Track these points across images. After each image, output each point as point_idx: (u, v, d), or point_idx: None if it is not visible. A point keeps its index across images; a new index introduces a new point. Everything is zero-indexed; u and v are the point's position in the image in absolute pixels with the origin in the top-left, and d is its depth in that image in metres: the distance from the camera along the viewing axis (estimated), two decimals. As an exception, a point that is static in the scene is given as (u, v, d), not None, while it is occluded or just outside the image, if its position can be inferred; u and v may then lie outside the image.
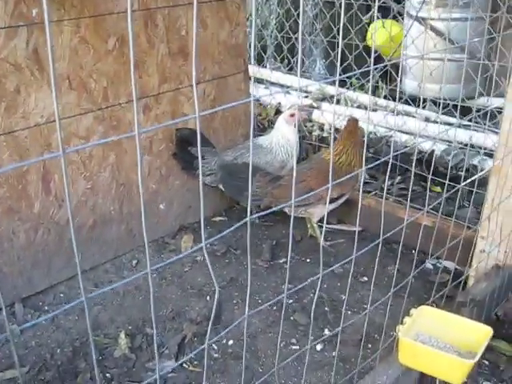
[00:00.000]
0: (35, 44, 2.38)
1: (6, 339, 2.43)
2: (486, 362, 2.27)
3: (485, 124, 3.62)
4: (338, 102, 4.54)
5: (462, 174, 2.28)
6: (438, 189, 3.38)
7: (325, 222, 1.86)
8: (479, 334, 1.88)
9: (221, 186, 3.15)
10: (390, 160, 1.68)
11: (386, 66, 3.89)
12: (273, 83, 5.00)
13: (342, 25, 1.21)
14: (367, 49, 4.55)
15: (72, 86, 2.54)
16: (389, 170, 1.73)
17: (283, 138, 3.18)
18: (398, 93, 3.63)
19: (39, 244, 2.65)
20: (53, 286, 2.76)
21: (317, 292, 1.55)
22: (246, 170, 2.99)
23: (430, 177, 2.71)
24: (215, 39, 3.07)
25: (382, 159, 1.65)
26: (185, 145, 3.07)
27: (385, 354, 1.99)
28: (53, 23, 2.40)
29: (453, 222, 2.30)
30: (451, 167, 3.37)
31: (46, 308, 2.64)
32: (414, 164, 2.21)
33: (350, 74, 1.41)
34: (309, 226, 3.12)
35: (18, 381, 2.22)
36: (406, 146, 3.69)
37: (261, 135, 4.11)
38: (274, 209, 1.56)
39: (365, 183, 3.05)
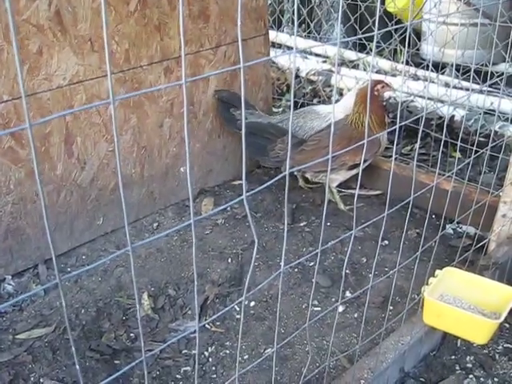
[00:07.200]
0: (57, 5, 2.37)
1: (32, 299, 2.47)
2: (507, 325, 2.27)
3: (506, 90, 3.59)
4: (357, 66, 4.51)
5: (484, 139, 2.27)
6: (459, 154, 3.36)
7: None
8: (504, 295, 1.89)
9: None
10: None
11: (405, 30, 3.85)
12: (290, 48, 4.95)
13: None
14: (387, 14, 4.50)
15: (94, 48, 2.53)
16: (401, 134, 1.72)
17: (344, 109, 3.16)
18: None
19: (61, 206, 2.67)
20: (75, 248, 2.79)
21: (348, 253, 1.56)
22: (271, 129, 3.00)
23: (450, 142, 2.69)
24: (236, 1, 3.05)
25: (397, 124, 1.63)
26: (226, 106, 3.11)
27: (407, 316, 2.01)
28: (75, -16, 2.40)
29: (478, 188, 2.29)
30: (472, 133, 3.35)
31: (69, 270, 2.66)
32: (433, 129, 2.22)
33: (369, 34, 1.39)
34: (328, 191, 3.12)
35: (45, 339, 2.26)
36: (426, 112, 3.66)
37: (280, 99, 4.10)
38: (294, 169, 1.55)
39: (385, 148, 3.04)
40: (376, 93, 2.91)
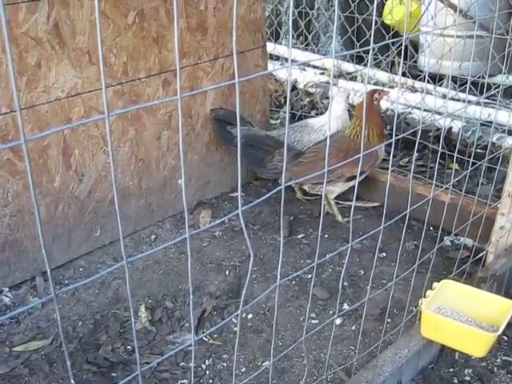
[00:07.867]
0: (56, 18, 2.38)
1: (29, 312, 2.46)
2: (505, 338, 2.27)
3: (504, 101, 3.60)
4: (355, 78, 4.52)
5: (481, 151, 2.27)
6: (456, 166, 3.36)
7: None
8: (501, 307, 1.89)
9: None
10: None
11: (403, 42, 3.87)
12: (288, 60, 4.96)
13: None
14: (384, 26, 4.52)
15: (92, 61, 2.54)
16: (398, 146, 1.72)
17: (338, 119, 3.18)
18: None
19: (59, 218, 2.67)
20: (72, 260, 2.79)
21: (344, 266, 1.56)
22: (268, 141, 3.00)
23: (448, 153, 2.69)
24: (233, 14, 3.06)
25: (396, 136, 1.64)
26: (222, 124, 3.10)
27: (405, 328, 2.01)
28: (74, -3, 2.41)
29: (475, 200, 2.28)
30: (470, 144, 3.35)
31: (67, 282, 2.66)
32: (431, 141, 2.22)
33: (366, 48, 1.39)
34: (325, 202, 3.12)
35: (42, 352, 2.25)
36: (424, 123, 3.67)
37: (277, 111, 4.11)
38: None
39: (382, 160, 3.04)
40: (376, 102, 2.92)
